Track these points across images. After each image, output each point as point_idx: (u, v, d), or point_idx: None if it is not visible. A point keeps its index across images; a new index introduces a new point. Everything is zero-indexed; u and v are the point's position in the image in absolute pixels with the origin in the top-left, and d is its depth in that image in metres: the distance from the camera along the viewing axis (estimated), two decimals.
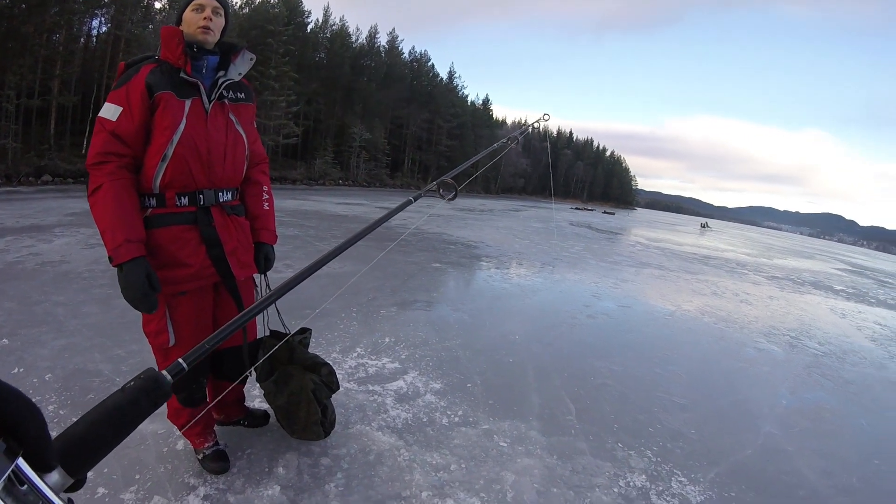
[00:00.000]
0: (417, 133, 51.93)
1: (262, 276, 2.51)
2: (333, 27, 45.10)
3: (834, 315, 10.01)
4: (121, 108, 1.94)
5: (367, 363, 4.03)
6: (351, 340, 4.46)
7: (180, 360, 0.75)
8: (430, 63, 56.04)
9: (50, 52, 19.91)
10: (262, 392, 2.64)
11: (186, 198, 2.09)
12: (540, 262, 11.00)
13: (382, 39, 50.33)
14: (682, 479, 3.07)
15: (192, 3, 2.08)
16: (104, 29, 24.46)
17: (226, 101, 2.17)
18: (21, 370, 3.17)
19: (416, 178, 51.74)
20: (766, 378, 5.31)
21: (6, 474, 0.41)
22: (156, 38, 22.17)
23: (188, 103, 2.03)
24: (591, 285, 9.11)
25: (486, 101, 71.80)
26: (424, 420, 3.29)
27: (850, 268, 26.62)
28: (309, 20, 40.88)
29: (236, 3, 35.19)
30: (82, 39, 23.71)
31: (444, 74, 60.68)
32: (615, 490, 2.85)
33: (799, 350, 6.62)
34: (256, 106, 2.47)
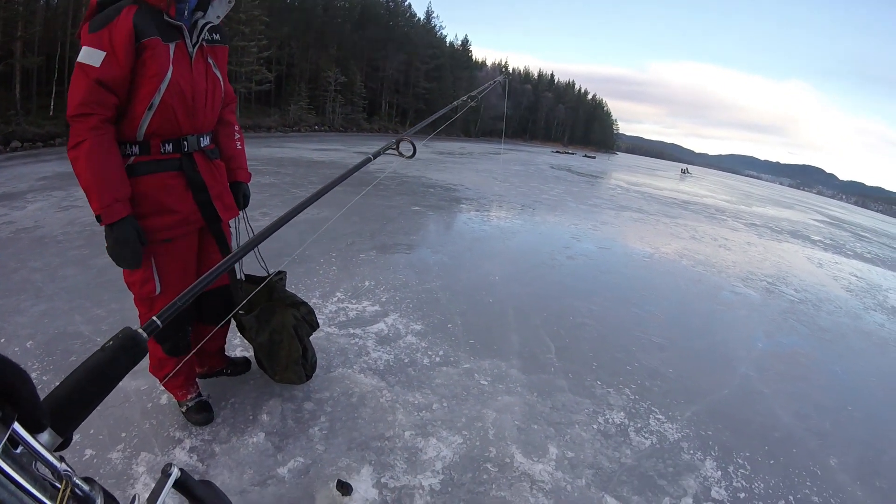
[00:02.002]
0: (394, 76, 50.71)
1: (243, 213, 2.49)
2: None
3: (811, 264, 10.20)
4: (103, 53, 1.80)
5: (347, 307, 4.02)
6: (331, 285, 4.43)
7: (154, 317, 0.75)
8: (406, 3, 54.33)
9: (10, 14, 18.80)
10: (244, 329, 2.61)
11: (171, 144, 2.05)
12: (520, 205, 10.99)
13: None
14: (660, 416, 3.15)
15: None
16: None
17: (203, 43, 2.09)
18: (1, 340, 3.10)
19: (393, 121, 50.85)
20: (743, 321, 5.43)
21: (3, 440, 0.41)
22: None
23: (172, 47, 1.94)
24: (571, 227, 9.17)
25: (466, 43, 70.08)
26: (406, 361, 3.32)
27: (828, 220, 27.05)
28: None
29: None
30: None
31: (421, 15, 59.19)
32: (594, 427, 2.92)
33: (776, 296, 6.76)
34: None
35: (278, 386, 2.78)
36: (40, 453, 0.45)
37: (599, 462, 2.62)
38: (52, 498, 0.44)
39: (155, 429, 2.42)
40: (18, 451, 0.44)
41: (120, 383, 0.61)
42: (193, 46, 2.02)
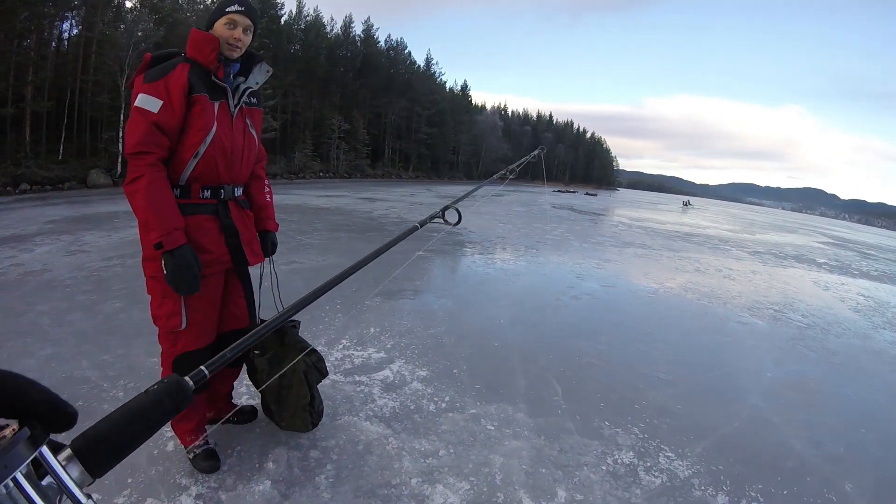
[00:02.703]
0: (396, 122, 51.59)
1: (270, 259, 2.69)
2: (308, 18, 44.52)
3: (817, 288, 10.19)
4: (160, 101, 2.05)
5: (352, 354, 4.04)
6: (336, 333, 4.45)
7: (202, 367, 0.76)
8: (406, 51, 55.65)
9: (21, 59, 19.48)
10: (255, 371, 2.66)
11: (209, 191, 2.27)
12: (523, 246, 11.01)
13: (358, 28, 49.76)
14: (670, 454, 3.12)
15: (227, 16, 2.19)
16: (75, 31, 24.01)
17: (243, 105, 2.35)
18: None
19: (397, 167, 51.52)
20: (751, 351, 5.39)
21: (29, 459, 0.43)
22: (128, 38, 21.96)
23: (217, 105, 2.20)
24: (575, 266, 9.18)
25: (465, 87, 71.53)
26: (412, 408, 3.31)
27: (832, 241, 27.06)
28: (282, 12, 40.26)
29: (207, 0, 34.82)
30: (53, 43, 23.20)
31: (421, 62, 60.45)
32: (603, 468, 2.89)
33: (783, 323, 6.73)
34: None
35: (284, 434, 2.79)
36: (60, 477, 0.46)
37: (609, 503, 2.61)
38: None
39: (161, 475, 2.42)
40: (46, 483, 0.45)
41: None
42: (234, 107, 2.29)
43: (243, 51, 2.28)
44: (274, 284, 2.66)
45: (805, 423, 3.81)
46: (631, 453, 3.07)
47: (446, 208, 1.97)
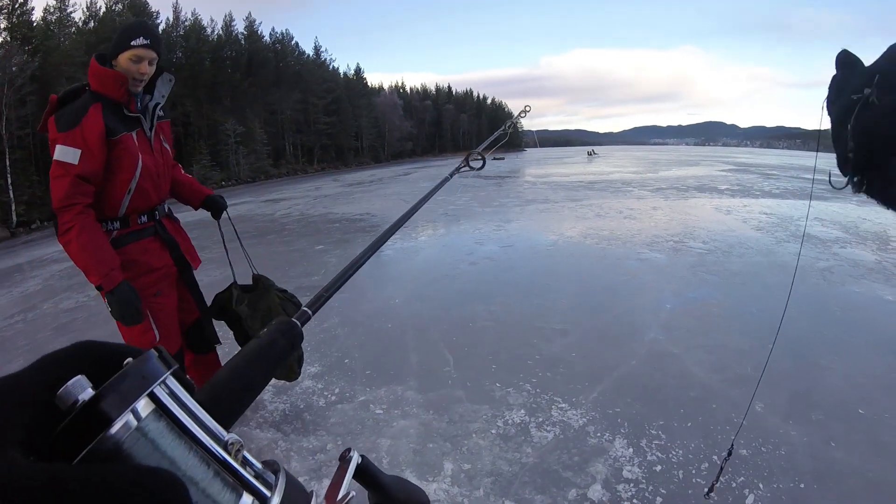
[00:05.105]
0: (293, 116, 50.22)
1: (226, 212, 2.96)
2: (186, 23, 42.56)
3: (719, 213, 10.62)
4: (79, 150, 2.09)
5: None
6: (230, 344, 4.28)
7: (304, 307, 0.69)
8: (293, 41, 53.84)
9: None
10: (239, 320, 2.84)
11: (145, 216, 2.43)
12: (424, 221, 10.75)
13: (240, 26, 47.99)
14: (563, 405, 3.14)
15: (131, 51, 2.17)
16: None
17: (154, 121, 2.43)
18: None
19: (300, 162, 50.23)
20: (649, 286, 5.52)
21: (161, 379, 0.35)
22: (2, 75, 20.07)
23: (135, 136, 2.28)
24: (475, 233, 9.22)
25: (359, 71, 70.20)
26: (301, 407, 3.26)
27: (734, 167, 28.32)
28: (159, 20, 38.29)
29: (80, 18, 32.81)
30: None
31: (309, 51, 58.93)
32: (493, 432, 2.91)
33: (683, 253, 6.95)
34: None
35: None
36: (196, 414, 0.38)
37: (499, 468, 2.60)
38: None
39: None
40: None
41: None
42: (150, 130, 2.37)
43: (146, 82, 2.30)
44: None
45: (707, 348, 3.86)
46: (522, 411, 3.10)
47: (471, 153, 1.84)
